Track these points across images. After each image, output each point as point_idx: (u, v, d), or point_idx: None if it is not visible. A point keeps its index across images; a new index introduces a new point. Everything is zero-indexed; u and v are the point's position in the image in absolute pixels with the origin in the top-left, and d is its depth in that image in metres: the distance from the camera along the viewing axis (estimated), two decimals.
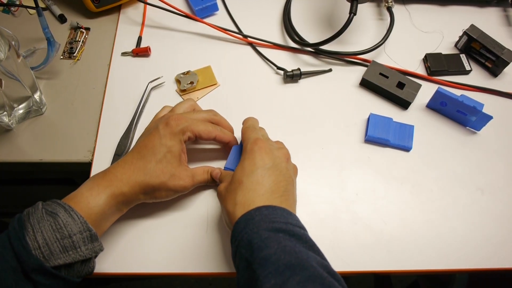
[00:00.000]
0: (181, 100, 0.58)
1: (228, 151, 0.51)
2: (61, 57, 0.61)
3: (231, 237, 0.38)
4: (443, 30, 0.66)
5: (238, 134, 0.54)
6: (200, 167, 0.49)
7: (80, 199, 0.41)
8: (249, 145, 0.43)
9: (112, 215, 0.43)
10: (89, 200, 0.40)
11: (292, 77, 0.59)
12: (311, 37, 0.63)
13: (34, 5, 0.54)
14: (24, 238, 0.36)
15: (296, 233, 0.36)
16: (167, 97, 0.58)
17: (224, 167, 0.49)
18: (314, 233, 0.47)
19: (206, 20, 0.64)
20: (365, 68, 0.61)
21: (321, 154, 0.54)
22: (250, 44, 0.64)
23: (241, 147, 0.49)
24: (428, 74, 0.61)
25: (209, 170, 0.49)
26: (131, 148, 0.53)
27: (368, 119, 0.56)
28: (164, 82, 0.59)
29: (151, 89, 0.58)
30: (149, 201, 0.46)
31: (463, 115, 0.55)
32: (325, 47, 0.61)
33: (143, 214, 0.49)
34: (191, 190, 0.50)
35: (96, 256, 0.41)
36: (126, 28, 0.65)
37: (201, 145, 0.54)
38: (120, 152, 0.52)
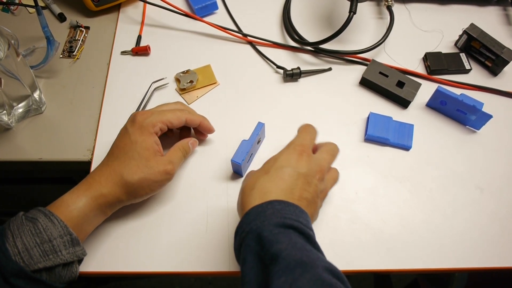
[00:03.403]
0: (180, 99, 0.58)
1: (200, 135, 0.52)
2: (61, 56, 0.61)
3: (238, 227, 0.38)
4: (443, 29, 0.66)
5: (220, 128, 0.54)
6: (170, 150, 0.48)
7: (61, 204, 0.41)
8: (294, 144, 0.43)
9: (95, 218, 0.43)
10: (69, 203, 0.41)
11: (291, 76, 0.59)
12: (311, 36, 0.63)
13: (33, 4, 0.54)
14: (3, 245, 0.37)
15: (305, 232, 0.36)
16: (167, 96, 0.58)
17: (231, 160, 0.49)
18: (315, 233, 0.48)
19: (205, 19, 0.64)
20: (365, 67, 0.60)
21: None
22: (250, 43, 0.63)
23: (249, 142, 0.49)
24: (428, 73, 0.61)
25: (180, 146, 0.48)
26: None
27: (368, 118, 0.56)
28: (168, 83, 0.59)
29: (154, 89, 0.58)
30: (134, 201, 0.45)
31: (463, 114, 0.55)
32: (325, 46, 0.60)
33: (143, 213, 0.49)
34: (191, 190, 0.50)
35: (80, 262, 0.41)
36: (125, 27, 0.64)
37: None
38: None
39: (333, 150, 0.46)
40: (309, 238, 0.36)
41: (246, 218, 0.37)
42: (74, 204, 0.41)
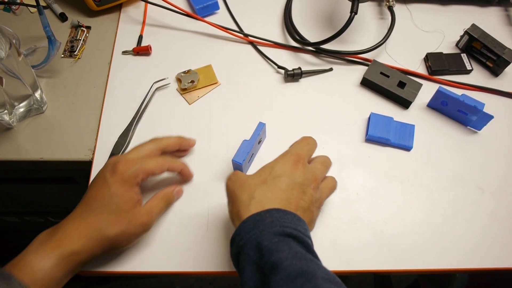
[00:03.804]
0: (181, 98, 0.58)
1: (182, 177, 0.50)
2: (62, 55, 0.61)
3: (235, 235, 0.37)
4: (444, 30, 0.66)
5: (221, 128, 0.54)
6: (153, 198, 0.45)
7: (24, 264, 0.37)
8: (290, 153, 0.43)
9: (64, 279, 0.39)
10: (33, 264, 0.37)
11: (293, 76, 0.59)
12: (312, 36, 0.63)
13: (35, 4, 0.54)
14: None
15: (304, 241, 0.36)
16: (168, 96, 0.58)
17: (232, 160, 0.48)
18: (314, 233, 0.48)
19: (207, 19, 0.64)
20: (366, 68, 0.60)
21: (321, 153, 0.53)
22: (251, 43, 0.63)
23: (250, 142, 0.49)
24: (429, 74, 0.61)
25: (163, 195, 0.46)
26: (129, 147, 0.53)
27: (369, 118, 0.56)
28: (169, 83, 0.59)
29: (156, 89, 0.58)
30: (108, 254, 0.43)
31: (464, 115, 0.55)
32: (326, 46, 0.60)
33: None
34: (192, 190, 0.50)
35: None
36: (127, 27, 0.64)
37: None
38: (117, 151, 0.52)
39: (326, 162, 0.46)
40: (308, 247, 0.36)
41: (244, 226, 0.37)
42: (39, 264, 0.37)
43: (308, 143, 0.46)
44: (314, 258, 0.35)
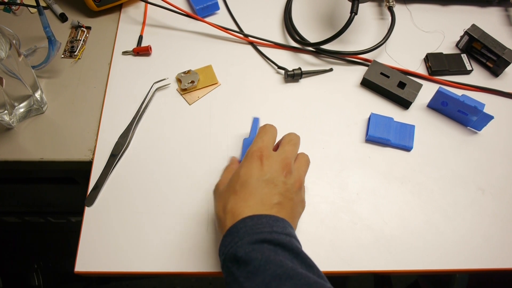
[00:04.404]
0: (181, 99, 0.58)
1: None
2: (62, 56, 0.61)
3: (219, 250, 0.38)
4: (444, 30, 0.66)
5: (221, 128, 0.54)
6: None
7: None
8: (251, 151, 0.42)
9: None
10: None
11: (293, 76, 0.59)
12: (312, 37, 0.63)
13: (35, 4, 0.54)
14: None
15: (281, 241, 0.36)
16: (168, 96, 0.58)
17: (239, 161, 0.48)
18: (315, 233, 0.48)
19: (207, 19, 0.64)
20: (366, 68, 0.61)
21: (321, 153, 0.54)
22: (251, 43, 0.63)
23: (250, 139, 0.49)
24: (429, 74, 0.61)
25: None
26: (129, 147, 0.53)
27: (369, 118, 0.56)
28: (169, 83, 0.59)
29: (156, 89, 0.58)
30: None
31: (464, 115, 0.55)
32: (326, 46, 0.60)
33: (143, 213, 0.49)
34: (192, 190, 0.50)
35: None
36: (127, 27, 0.64)
37: None
38: (117, 152, 0.52)
39: (293, 140, 0.45)
40: (285, 246, 0.36)
41: (224, 240, 0.38)
42: None
43: (266, 131, 0.45)
44: (296, 255, 0.35)
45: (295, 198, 0.41)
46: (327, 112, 0.57)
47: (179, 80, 0.59)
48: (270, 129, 0.46)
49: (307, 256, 0.36)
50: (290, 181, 0.41)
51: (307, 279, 0.33)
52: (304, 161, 0.45)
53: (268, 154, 0.42)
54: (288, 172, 0.41)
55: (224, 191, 0.42)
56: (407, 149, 0.54)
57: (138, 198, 0.50)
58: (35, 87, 0.54)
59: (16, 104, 0.52)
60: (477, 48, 0.61)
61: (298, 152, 0.46)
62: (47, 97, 0.57)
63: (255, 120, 0.51)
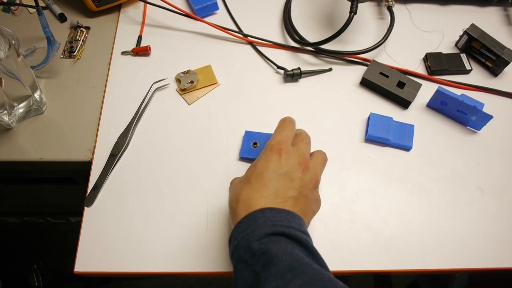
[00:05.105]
0: (181, 99, 0.58)
1: None
2: (61, 56, 0.61)
3: (231, 236, 0.38)
4: (443, 30, 0.66)
5: (221, 128, 0.54)
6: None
7: None
8: (270, 145, 0.42)
9: None
10: None
11: (292, 76, 0.59)
12: (311, 37, 0.63)
13: (34, 4, 0.54)
14: None
15: (298, 237, 0.36)
16: (167, 96, 0.58)
17: (240, 156, 0.48)
18: (314, 233, 0.48)
19: (206, 19, 0.64)
20: (365, 68, 0.61)
21: None
22: (250, 43, 0.63)
23: (251, 135, 0.49)
24: (429, 74, 0.61)
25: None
26: (128, 147, 0.53)
27: (368, 118, 0.56)
28: (169, 83, 0.59)
29: (155, 90, 0.58)
30: None
31: (463, 115, 0.55)
32: (325, 46, 0.60)
33: (143, 213, 0.49)
34: (192, 190, 0.50)
35: None
36: (126, 27, 0.64)
37: None
38: (117, 152, 0.52)
39: (305, 138, 0.45)
40: (301, 242, 0.36)
41: (238, 227, 0.37)
42: None
43: (285, 126, 0.45)
44: (307, 252, 0.35)
45: (310, 196, 0.41)
46: (327, 112, 0.57)
47: (178, 80, 0.59)
48: (288, 123, 0.46)
49: (320, 257, 0.36)
50: (306, 177, 0.41)
51: (321, 275, 0.33)
52: (321, 159, 0.45)
53: (287, 149, 0.42)
54: (306, 168, 0.41)
55: (239, 182, 0.42)
56: (407, 148, 0.54)
57: (137, 198, 0.50)
58: (34, 88, 0.54)
59: (15, 104, 0.52)
60: (477, 47, 0.61)
61: (314, 150, 0.46)
62: (46, 97, 0.57)
63: (247, 134, 0.51)
